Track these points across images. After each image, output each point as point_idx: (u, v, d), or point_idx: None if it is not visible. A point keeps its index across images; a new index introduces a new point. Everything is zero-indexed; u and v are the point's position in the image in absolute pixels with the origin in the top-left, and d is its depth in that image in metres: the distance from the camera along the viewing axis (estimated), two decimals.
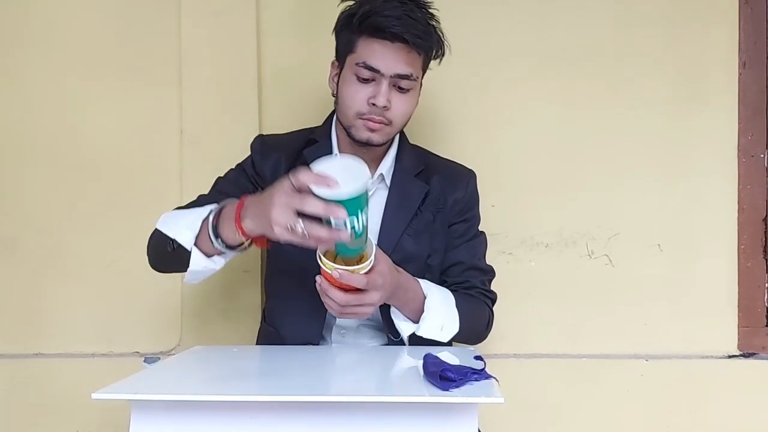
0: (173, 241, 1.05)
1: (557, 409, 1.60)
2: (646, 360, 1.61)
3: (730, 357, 1.62)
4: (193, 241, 1.04)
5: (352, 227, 0.91)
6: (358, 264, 0.99)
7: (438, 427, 0.79)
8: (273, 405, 0.80)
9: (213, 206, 1.05)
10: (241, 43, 1.56)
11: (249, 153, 1.29)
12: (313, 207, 0.88)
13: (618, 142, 1.63)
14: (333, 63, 1.24)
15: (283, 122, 1.52)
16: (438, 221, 1.26)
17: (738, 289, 1.62)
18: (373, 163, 1.26)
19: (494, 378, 0.86)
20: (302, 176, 0.89)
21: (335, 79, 1.22)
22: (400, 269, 1.11)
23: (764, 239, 1.63)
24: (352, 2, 1.18)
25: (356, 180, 0.89)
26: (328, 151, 1.25)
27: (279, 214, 0.90)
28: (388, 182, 1.26)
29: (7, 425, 1.57)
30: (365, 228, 0.94)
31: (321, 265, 0.98)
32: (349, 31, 1.16)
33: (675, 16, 1.62)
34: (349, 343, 1.26)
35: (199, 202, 1.23)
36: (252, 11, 1.57)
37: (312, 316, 1.20)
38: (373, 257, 0.99)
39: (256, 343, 1.36)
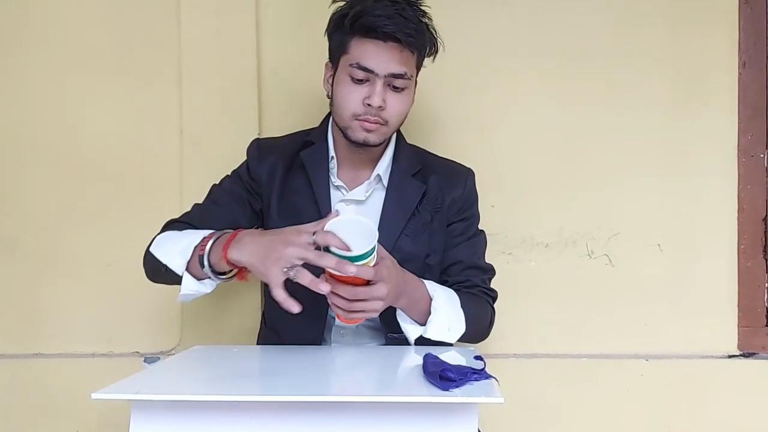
0: (166, 265, 1.10)
1: (557, 409, 1.60)
2: (646, 360, 1.61)
3: (730, 357, 1.62)
4: (185, 267, 1.08)
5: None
6: None
7: (438, 427, 0.79)
8: (273, 405, 0.80)
9: (206, 232, 1.09)
10: (241, 43, 1.56)
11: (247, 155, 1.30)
12: (327, 262, 0.95)
13: (618, 142, 1.63)
14: (327, 64, 1.24)
15: (282, 122, 1.53)
16: (436, 221, 1.26)
17: (738, 289, 1.62)
18: (370, 164, 1.26)
19: (494, 378, 0.86)
20: (327, 238, 0.95)
21: (329, 81, 1.22)
22: (405, 270, 1.11)
23: (764, 239, 1.63)
24: (343, 3, 1.18)
25: (368, 241, 0.97)
26: (325, 153, 1.25)
27: (285, 261, 0.95)
28: (386, 183, 1.26)
29: (7, 425, 1.57)
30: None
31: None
32: (341, 32, 1.16)
33: (675, 16, 1.62)
34: (349, 344, 1.26)
35: (193, 214, 1.26)
36: (251, 11, 1.57)
37: (313, 319, 1.20)
38: (375, 252, 0.99)
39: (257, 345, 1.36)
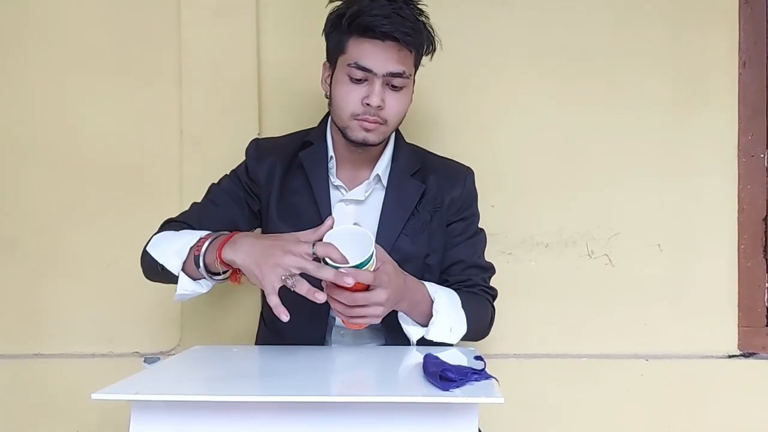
0: (162, 265, 1.11)
1: (557, 409, 1.60)
2: (646, 360, 1.60)
3: (730, 357, 1.62)
4: (181, 267, 1.08)
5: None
6: None
7: (438, 427, 0.79)
8: (273, 405, 0.80)
9: (203, 233, 1.09)
10: (241, 43, 1.56)
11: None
12: (326, 274, 0.96)
13: (618, 142, 1.63)
14: (324, 65, 1.24)
15: (283, 122, 1.53)
16: (436, 220, 1.26)
17: (738, 288, 1.62)
18: (369, 164, 1.26)
19: (494, 378, 0.86)
20: (328, 250, 0.97)
21: (327, 81, 1.22)
22: (406, 273, 1.11)
23: (764, 239, 1.63)
24: (340, 3, 1.18)
25: (364, 249, 0.98)
26: (324, 153, 1.25)
27: (282, 268, 0.96)
28: (385, 182, 1.26)
29: (7, 425, 1.57)
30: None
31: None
32: (339, 32, 1.16)
33: (675, 16, 1.62)
34: (349, 344, 1.26)
35: (191, 214, 1.26)
36: (252, 11, 1.57)
37: (314, 320, 1.21)
38: (374, 257, 0.99)
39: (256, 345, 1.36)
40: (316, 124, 1.32)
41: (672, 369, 1.60)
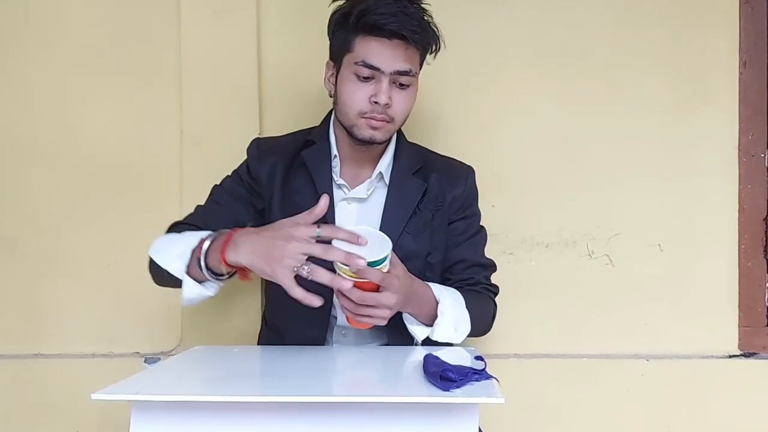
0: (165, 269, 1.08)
1: (557, 409, 1.60)
2: (647, 360, 1.60)
3: (730, 357, 1.62)
4: (185, 270, 1.05)
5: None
6: None
7: (439, 427, 0.79)
8: (273, 405, 0.80)
9: (204, 234, 1.06)
10: (241, 43, 1.56)
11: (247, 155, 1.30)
12: (336, 255, 0.93)
13: (618, 142, 1.63)
14: (328, 64, 1.24)
15: (283, 122, 1.53)
16: (437, 219, 1.27)
17: (738, 288, 1.62)
18: (372, 162, 1.27)
19: (495, 378, 0.86)
20: (332, 231, 0.95)
21: (332, 80, 1.22)
22: (413, 276, 1.12)
23: (765, 239, 1.63)
24: (343, 2, 1.18)
25: (382, 248, 0.98)
26: (327, 152, 1.25)
27: (290, 258, 0.93)
28: (387, 180, 1.26)
29: (7, 425, 1.57)
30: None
31: (336, 267, 0.99)
32: (345, 30, 1.16)
33: (675, 16, 1.62)
34: (350, 344, 1.26)
35: (196, 215, 1.25)
36: (252, 11, 1.57)
37: (315, 319, 1.20)
38: (389, 260, 1.00)
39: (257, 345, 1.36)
40: (316, 124, 1.32)
41: (672, 369, 1.60)
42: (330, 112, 1.29)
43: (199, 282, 1.06)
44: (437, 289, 1.17)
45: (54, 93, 1.59)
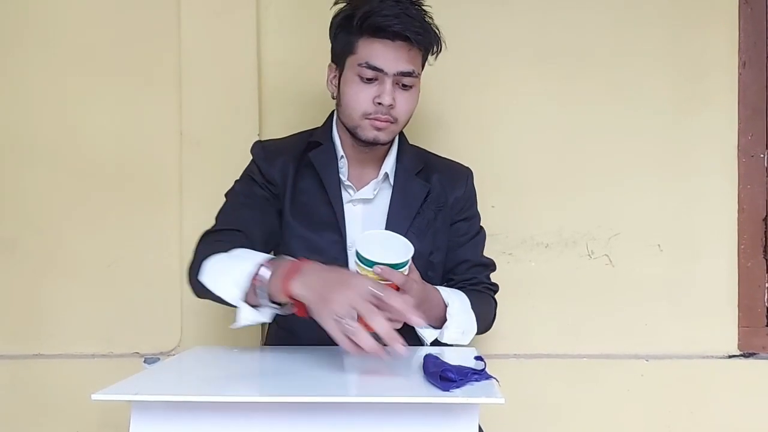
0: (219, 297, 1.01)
1: (557, 409, 1.60)
2: (647, 360, 1.60)
3: (730, 357, 1.62)
4: (242, 297, 0.98)
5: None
6: None
7: (439, 427, 0.79)
8: (273, 406, 0.80)
9: (259, 258, 0.99)
10: (241, 44, 1.56)
11: (248, 155, 1.28)
12: (377, 324, 0.86)
13: (618, 142, 1.63)
14: (330, 66, 1.24)
15: (283, 122, 1.53)
16: (439, 219, 1.28)
17: (738, 289, 1.62)
18: (376, 163, 1.27)
19: (495, 378, 0.86)
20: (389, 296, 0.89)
21: (334, 82, 1.22)
22: (425, 282, 1.13)
23: (764, 239, 1.63)
24: (344, 5, 1.18)
25: (405, 252, 1.01)
26: (333, 154, 1.25)
27: (341, 305, 0.87)
28: (392, 181, 1.27)
29: (7, 425, 1.57)
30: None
31: (357, 268, 1.00)
32: (347, 32, 1.17)
33: (675, 16, 1.62)
34: None
35: (230, 222, 1.18)
36: (252, 11, 1.57)
37: None
38: (408, 266, 1.01)
39: (266, 345, 1.35)
40: (317, 125, 1.32)
41: (672, 369, 1.60)
42: (332, 114, 1.29)
43: (254, 306, 0.99)
44: (445, 292, 1.18)
45: (54, 93, 1.59)
